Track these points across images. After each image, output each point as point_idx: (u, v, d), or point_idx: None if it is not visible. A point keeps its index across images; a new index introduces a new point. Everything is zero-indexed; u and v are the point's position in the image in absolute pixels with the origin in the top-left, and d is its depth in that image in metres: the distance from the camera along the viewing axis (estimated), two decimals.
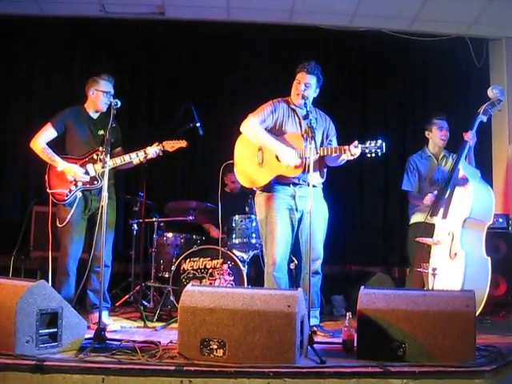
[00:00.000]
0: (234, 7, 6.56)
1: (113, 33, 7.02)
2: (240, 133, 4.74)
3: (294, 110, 4.72)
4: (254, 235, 5.52)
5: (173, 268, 5.61)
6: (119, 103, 4.21)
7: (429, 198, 5.22)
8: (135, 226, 6.12)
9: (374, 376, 3.14)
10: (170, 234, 6.14)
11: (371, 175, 7.19)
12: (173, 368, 3.14)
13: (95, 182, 4.76)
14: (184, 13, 6.68)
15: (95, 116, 4.91)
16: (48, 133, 4.79)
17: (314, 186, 4.46)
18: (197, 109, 5.50)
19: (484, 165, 6.30)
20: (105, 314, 4.61)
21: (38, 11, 6.57)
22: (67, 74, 6.99)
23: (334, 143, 4.79)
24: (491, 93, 5.16)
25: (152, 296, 5.92)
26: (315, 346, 3.59)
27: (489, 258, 4.71)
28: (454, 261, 4.72)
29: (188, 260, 5.58)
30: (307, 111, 4.50)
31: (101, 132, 4.84)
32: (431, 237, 4.99)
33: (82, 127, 4.84)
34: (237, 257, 5.47)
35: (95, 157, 4.79)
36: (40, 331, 3.39)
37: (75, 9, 6.55)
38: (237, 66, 7.18)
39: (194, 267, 5.55)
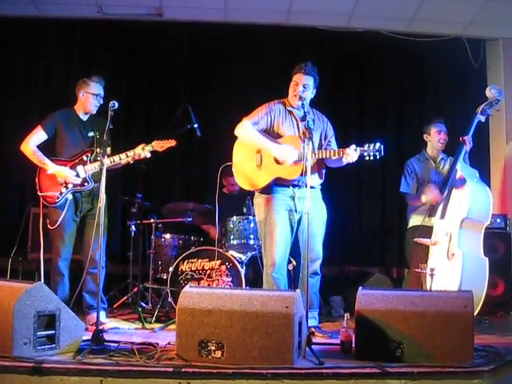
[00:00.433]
0: (232, 8, 6.56)
1: (110, 34, 7.02)
2: None
3: (290, 112, 4.72)
4: (251, 236, 5.52)
5: (171, 269, 5.61)
6: (116, 104, 4.21)
7: (424, 199, 5.25)
8: (133, 227, 6.11)
9: (372, 377, 3.14)
10: (167, 236, 6.14)
11: (369, 176, 7.19)
12: (171, 370, 3.14)
13: (86, 184, 4.77)
14: (181, 14, 6.68)
15: (85, 118, 4.93)
16: (38, 136, 4.80)
17: (313, 188, 4.49)
18: (194, 110, 5.50)
19: (481, 164, 6.31)
20: (102, 314, 4.61)
21: (36, 13, 6.57)
22: (65, 75, 6.98)
23: (334, 144, 4.79)
24: (489, 93, 5.17)
25: (150, 297, 5.91)
26: (313, 346, 3.59)
27: (486, 259, 4.71)
28: (451, 261, 4.72)
29: (186, 261, 5.58)
30: (304, 112, 4.50)
31: (91, 134, 4.86)
32: (429, 238, 4.99)
33: (72, 129, 4.85)
34: (235, 258, 5.46)
35: (85, 158, 4.80)
36: (38, 333, 3.38)
37: (73, 10, 6.55)
38: (234, 67, 7.18)
39: (192, 268, 5.55)
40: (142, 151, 4.77)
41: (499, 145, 6.96)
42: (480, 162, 6.29)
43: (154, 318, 5.16)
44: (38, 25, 6.80)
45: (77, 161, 4.80)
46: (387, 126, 7.25)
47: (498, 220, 6.14)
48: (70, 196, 4.74)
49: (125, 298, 5.92)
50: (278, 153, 4.53)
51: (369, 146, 4.38)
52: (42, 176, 4.78)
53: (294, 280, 5.07)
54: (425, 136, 5.60)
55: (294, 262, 5.16)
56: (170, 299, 5.50)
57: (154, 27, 6.89)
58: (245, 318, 3.30)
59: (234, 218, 5.60)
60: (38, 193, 4.77)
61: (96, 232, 4.17)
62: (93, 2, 6.37)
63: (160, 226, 6.24)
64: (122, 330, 4.70)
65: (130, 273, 6.08)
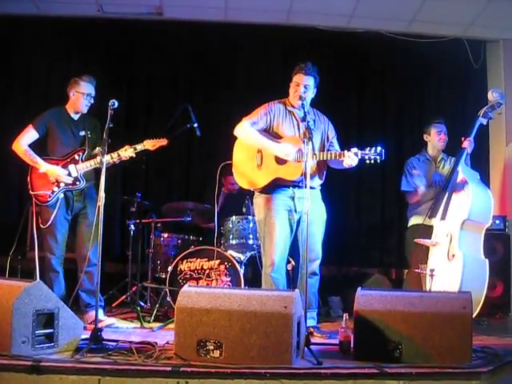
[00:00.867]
0: (232, 8, 6.55)
1: (110, 33, 7.02)
2: None
3: (291, 112, 4.71)
4: (251, 236, 5.53)
5: (170, 269, 5.60)
6: (116, 103, 4.20)
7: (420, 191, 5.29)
8: (132, 226, 6.11)
9: (370, 377, 3.14)
10: (167, 235, 6.14)
11: (369, 176, 7.19)
12: (169, 369, 3.14)
13: (77, 183, 4.79)
14: (182, 13, 6.68)
15: (76, 117, 4.94)
16: (30, 135, 4.82)
17: (312, 188, 4.48)
18: (194, 109, 5.50)
19: (481, 166, 6.31)
20: (100, 311, 4.60)
21: (36, 11, 6.56)
22: (65, 74, 6.96)
23: (336, 145, 4.79)
24: (491, 96, 5.19)
25: (149, 296, 5.92)
26: (312, 347, 3.60)
27: (487, 260, 4.72)
28: (451, 262, 4.73)
29: (185, 261, 5.57)
30: (305, 112, 4.50)
31: (82, 133, 4.88)
32: (429, 238, 4.99)
33: (63, 128, 4.86)
34: (234, 258, 5.46)
35: (77, 157, 4.82)
36: (36, 332, 3.38)
37: (73, 9, 6.54)
38: (234, 66, 7.19)
39: (191, 268, 5.54)
40: (125, 152, 4.77)
41: (499, 146, 6.95)
42: (480, 163, 6.30)
43: (152, 317, 5.16)
44: (38, 23, 6.79)
45: (68, 160, 4.81)
46: (387, 127, 7.25)
47: (497, 222, 6.14)
48: (61, 195, 4.76)
49: (123, 297, 5.92)
50: (278, 150, 4.53)
51: (370, 150, 4.37)
52: (33, 175, 4.80)
53: (292, 280, 5.07)
54: (425, 136, 5.62)
55: (293, 262, 5.16)
56: (168, 298, 5.50)
57: (154, 26, 6.89)
58: (243, 318, 3.30)
59: (234, 217, 5.60)
60: (30, 192, 4.79)
61: (90, 231, 4.17)
62: (93, 0, 6.37)
63: (159, 225, 6.25)
64: (120, 328, 4.70)
65: (128, 272, 6.07)
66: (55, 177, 4.73)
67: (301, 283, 4.50)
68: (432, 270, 4.71)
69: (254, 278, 5.54)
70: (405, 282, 5.73)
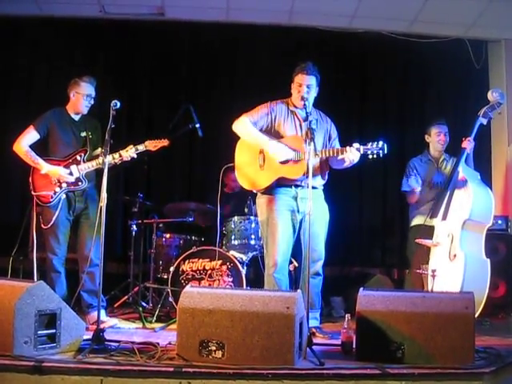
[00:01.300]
0: (234, 8, 6.55)
1: (112, 34, 7.02)
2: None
3: (293, 112, 4.71)
4: (253, 236, 5.53)
5: (172, 269, 5.60)
6: (118, 104, 4.20)
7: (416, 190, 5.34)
8: (134, 226, 6.10)
9: (372, 378, 3.14)
10: (169, 235, 6.14)
11: (370, 176, 7.18)
12: (171, 369, 3.14)
13: (79, 183, 4.79)
14: (183, 14, 6.67)
15: (77, 118, 4.94)
16: (31, 135, 4.82)
17: (315, 188, 4.49)
18: (196, 110, 5.50)
19: (483, 167, 6.31)
20: (102, 312, 4.60)
21: (38, 12, 6.56)
22: (67, 75, 6.94)
23: (337, 146, 4.78)
24: (491, 96, 5.18)
25: (151, 297, 5.91)
26: (314, 347, 3.59)
27: (488, 260, 4.73)
28: (453, 262, 4.72)
29: (187, 261, 5.57)
30: (307, 113, 4.49)
31: (83, 134, 4.89)
32: (431, 239, 4.99)
33: (64, 129, 4.87)
34: (236, 258, 5.46)
35: (78, 158, 4.82)
36: (38, 332, 3.39)
37: (75, 9, 6.54)
38: (236, 67, 7.19)
39: (193, 268, 5.54)
40: (126, 153, 4.77)
41: (501, 147, 6.95)
42: (482, 164, 6.28)
43: (154, 318, 5.17)
44: (41, 24, 6.79)
45: (70, 160, 4.81)
46: (389, 127, 7.24)
47: (500, 222, 6.13)
48: (63, 195, 4.76)
49: (125, 297, 5.92)
50: (271, 148, 4.54)
51: (372, 145, 4.38)
52: (35, 176, 4.80)
53: (295, 281, 5.07)
54: (426, 137, 5.63)
55: (295, 263, 5.16)
56: (170, 299, 5.49)
57: (156, 27, 6.89)
58: (246, 319, 3.30)
59: (235, 218, 5.60)
60: (32, 192, 4.79)
61: (92, 231, 4.17)
62: (95, 1, 6.36)
63: (161, 225, 6.25)
64: (122, 329, 4.70)
65: (130, 272, 6.07)
66: (57, 177, 4.74)
67: (303, 284, 4.50)
68: (433, 271, 4.71)
69: (256, 278, 5.53)
70: (406, 282, 5.74)
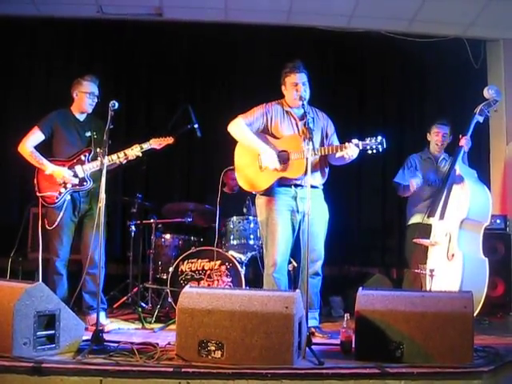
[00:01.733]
0: (232, 8, 6.55)
1: (110, 34, 7.02)
2: None
3: (288, 112, 4.71)
4: (251, 236, 5.53)
5: (171, 269, 5.60)
6: (117, 104, 4.20)
7: (414, 181, 5.32)
8: (133, 227, 6.10)
9: (372, 377, 3.15)
10: (167, 236, 6.13)
11: (369, 176, 7.19)
12: (171, 370, 3.14)
13: (84, 184, 4.78)
14: (182, 14, 6.67)
15: (81, 118, 4.93)
16: (35, 136, 4.81)
17: (315, 187, 4.51)
18: (195, 110, 5.50)
19: (482, 165, 6.32)
20: (102, 315, 4.61)
21: (36, 12, 6.56)
22: (65, 75, 6.97)
23: (335, 141, 4.77)
24: (487, 93, 5.17)
25: (150, 297, 5.91)
26: (313, 347, 3.60)
27: (486, 259, 4.73)
28: (451, 262, 4.73)
29: (186, 261, 5.57)
30: (305, 111, 4.48)
31: (88, 134, 4.87)
32: (429, 237, 4.99)
33: (68, 129, 4.86)
34: (235, 258, 5.46)
35: (83, 158, 4.81)
36: (38, 333, 3.39)
37: (73, 10, 6.54)
38: (234, 67, 7.18)
39: (192, 269, 5.54)
40: (131, 151, 4.76)
41: (499, 145, 6.95)
42: (480, 162, 6.30)
43: (153, 318, 5.17)
44: (38, 25, 6.80)
45: (75, 161, 4.80)
46: (388, 127, 7.24)
47: (498, 221, 6.13)
48: (68, 196, 4.75)
49: (125, 298, 5.92)
50: (264, 155, 4.54)
51: (370, 140, 4.38)
52: (40, 177, 4.78)
53: (294, 280, 5.07)
54: (427, 135, 5.65)
55: (294, 263, 5.17)
56: (169, 299, 5.50)
57: (154, 27, 6.88)
58: (245, 319, 3.30)
59: (234, 218, 5.60)
60: (37, 193, 4.77)
61: (96, 232, 4.16)
62: (93, 1, 6.36)
63: (160, 226, 6.24)
64: (121, 330, 4.70)
65: (129, 273, 6.07)
66: (61, 178, 4.72)
67: (303, 283, 4.50)
68: (432, 270, 4.71)
69: (255, 278, 5.54)
70: (405, 281, 5.74)
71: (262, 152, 4.56)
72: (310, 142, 4.15)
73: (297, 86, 4.61)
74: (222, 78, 7.23)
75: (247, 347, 3.26)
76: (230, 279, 5.42)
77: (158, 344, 3.63)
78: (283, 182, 4.59)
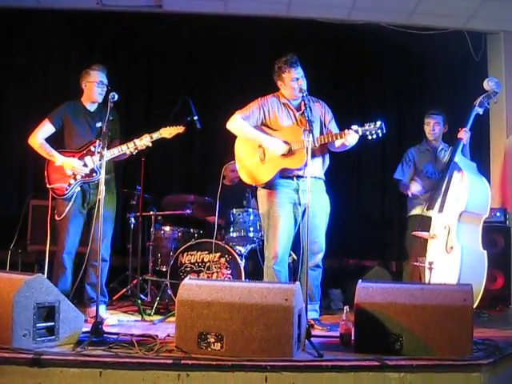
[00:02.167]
0: (232, 0, 6.53)
1: (110, 26, 6.99)
2: None
3: (285, 104, 4.69)
4: (251, 229, 5.52)
5: (170, 262, 5.61)
6: (116, 96, 4.19)
7: (415, 188, 5.28)
8: (132, 219, 6.11)
9: (371, 369, 3.14)
10: (167, 228, 6.13)
11: (369, 168, 7.20)
12: (170, 361, 3.14)
13: (94, 175, 4.74)
14: (181, 6, 6.64)
15: (92, 108, 4.89)
16: (46, 128, 4.79)
17: (318, 178, 4.56)
18: (195, 102, 5.49)
19: (482, 158, 6.30)
20: (102, 308, 4.61)
21: (35, 4, 6.53)
22: (64, 67, 6.97)
23: (334, 127, 4.74)
24: (487, 85, 5.15)
25: (149, 290, 5.92)
26: (313, 339, 3.59)
27: (485, 252, 4.73)
28: (450, 255, 4.73)
29: (185, 254, 5.58)
30: (305, 103, 4.43)
31: (98, 124, 4.82)
32: (429, 230, 4.99)
33: (79, 121, 4.82)
34: (234, 250, 5.46)
35: (92, 149, 4.78)
36: (37, 325, 3.38)
37: (73, 2, 6.52)
38: (234, 59, 7.18)
39: (192, 261, 5.55)
40: (141, 141, 4.73)
41: (499, 138, 6.94)
42: (480, 155, 6.28)
43: (153, 310, 5.18)
44: (38, 16, 6.77)
45: (84, 152, 4.77)
46: (388, 119, 7.18)
47: (498, 214, 6.13)
48: (77, 188, 4.71)
49: (124, 290, 5.93)
50: (269, 144, 4.54)
51: (369, 125, 4.37)
52: (50, 168, 4.76)
53: (293, 273, 5.07)
54: (424, 126, 5.65)
55: (294, 256, 5.17)
56: (169, 291, 5.51)
57: (154, 19, 6.86)
58: (244, 311, 3.30)
59: (234, 210, 5.59)
60: (47, 185, 4.74)
61: (103, 224, 4.14)
62: None
63: (160, 218, 6.25)
64: (121, 322, 4.70)
65: (129, 265, 6.09)
66: (71, 169, 4.68)
67: (304, 276, 4.49)
68: (431, 263, 4.71)
69: (254, 270, 5.55)
70: (404, 273, 5.75)
71: (265, 140, 4.55)
72: (310, 134, 4.13)
73: (298, 80, 4.59)
74: (222, 70, 7.22)
75: (247, 339, 3.26)
76: (229, 271, 5.43)
77: (157, 336, 3.63)
78: (285, 174, 4.58)
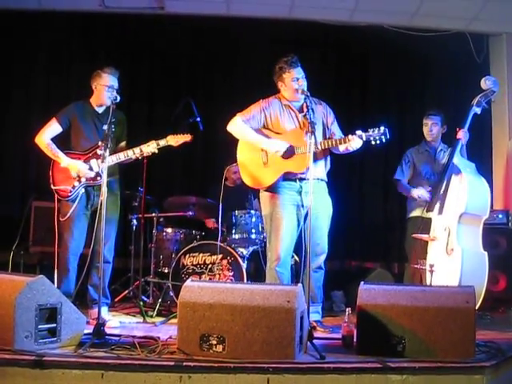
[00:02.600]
0: (234, 1, 6.53)
1: (112, 28, 7.01)
2: None
3: (287, 106, 4.69)
4: (253, 231, 5.52)
5: (172, 263, 5.60)
6: (118, 98, 4.19)
7: (415, 192, 5.28)
8: (135, 221, 6.11)
9: (373, 372, 3.14)
10: (169, 230, 6.12)
11: (371, 170, 7.18)
12: (172, 363, 3.14)
13: (98, 178, 4.71)
14: (184, 7, 6.64)
15: (100, 110, 4.87)
16: (53, 128, 4.78)
17: (321, 180, 4.57)
18: (196, 103, 5.49)
19: (484, 160, 6.30)
20: (104, 309, 4.61)
21: (37, 6, 6.53)
22: (66, 69, 6.98)
23: (337, 129, 4.74)
24: (484, 84, 5.13)
25: (151, 291, 5.91)
26: (315, 341, 3.60)
27: (486, 253, 4.72)
28: (450, 257, 4.72)
29: (187, 255, 5.57)
30: (307, 104, 4.43)
31: (105, 126, 4.81)
32: (429, 232, 4.98)
33: (86, 122, 4.80)
34: (236, 252, 5.46)
35: (99, 152, 4.74)
36: (39, 326, 3.39)
37: (74, 3, 6.52)
38: (236, 60, 7.18)
39: (194, 262, 5.54)
40: (147, 148, 4.73)
41: (502, 140, 6.94)
42: (482, 157, 6.28)
43: (155, 312, 5.18)
44: (40, 18, 6.78)
45: (90, 154, 4.75)
46: (389, 121, 7.18)
47: (501, 216, 6.11)
48: (82, 190, 4.71)
49: (126, 291, 5.92)
50: (269, 145, 4.54)
51: (373, 131, 4.37)
52: (55, 169, 4.75)
53: (296, 275, 5.07)
54: (423, 127, 5.65)
55: (296, 257, 5.16)
56: (171, 293, 5.50)
57: (156, 21, 6.86)
58: (246, 313, 3.30)
59: (236, 212, 5.58)
60: (52, 186, 4.74)
61: (106, 226, 4.13)
62: None
63: (162, 219, 6.24)
64: (123, 323, 4.70)
65: (131, 267, 6.07)
66: (76, 171, 4.68)
67: (306, 278, 4.48)
68: (431, 266, 4.70)
69: (256, 272, 5.55)
70: (405, 276, 5.73)
71: (264, 142, 4.55)
72: (312, 136, 4.13)
73: (298, 80, 4.59)
74: (224, 72, 7.22)
75: (249, 341, 3.26)
76: (231, 273, 5.42)
77: (159, 338, 3.62)
78: (288, 177, 4.58)
